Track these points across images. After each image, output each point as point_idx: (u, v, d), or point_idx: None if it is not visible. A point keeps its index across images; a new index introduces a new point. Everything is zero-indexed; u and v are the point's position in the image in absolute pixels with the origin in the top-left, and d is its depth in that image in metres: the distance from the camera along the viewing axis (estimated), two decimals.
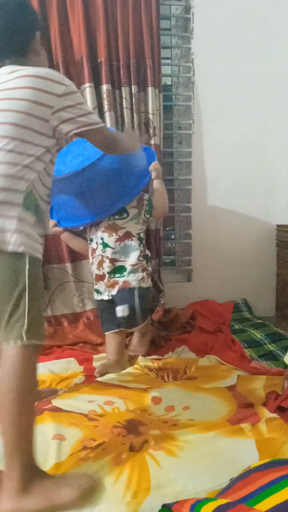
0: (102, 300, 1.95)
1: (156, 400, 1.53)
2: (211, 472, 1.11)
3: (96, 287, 1.98)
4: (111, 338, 1.93)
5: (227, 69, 2.53)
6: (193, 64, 2.50)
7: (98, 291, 1.97)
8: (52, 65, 2.26)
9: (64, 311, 2.36)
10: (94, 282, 1.99)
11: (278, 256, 2.70)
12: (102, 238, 1.91)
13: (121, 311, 1.85)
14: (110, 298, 1.91)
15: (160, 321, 2.39)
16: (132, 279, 1.88)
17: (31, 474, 1.05)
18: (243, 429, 1.30)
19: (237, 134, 2.61)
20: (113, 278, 1.91)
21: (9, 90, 1.22)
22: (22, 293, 1.14)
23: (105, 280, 1.92)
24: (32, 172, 1.22)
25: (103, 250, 1.91)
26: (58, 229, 2.05)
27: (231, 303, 2.64)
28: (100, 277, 1.94)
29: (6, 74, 1.25)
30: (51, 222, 2.02)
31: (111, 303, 1.91)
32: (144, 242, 1.98)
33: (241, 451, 1.19)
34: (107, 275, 1.91)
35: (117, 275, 1.91)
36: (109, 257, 1.90)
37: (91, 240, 1.98)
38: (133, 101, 2.32)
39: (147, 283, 1.94)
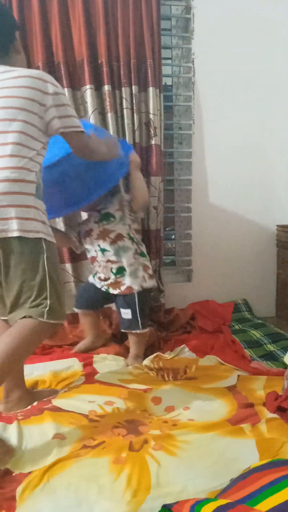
0: (92, 284, 2.08)
1: (156, 400, 1.53)
2: (211, 472, 1.11)
3: (94, 273, 2.08)
4: (86, 316, 2.14)
5: (228, 69, 2.53)
6: (193, 64, 2.50)
7: (94, 276, 2.08)
8: (52, 65, 2.27)
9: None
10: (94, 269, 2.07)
11: (278, 256, 2.70)
12: (98, 245, 1.98)
13: (125, 314, 1.96)
14: (103, 289, 2.02)
15: (160, 322, 2.39)
16: (134, 283, 1.95)
17: None
18: (243, 429, 1.30)
19: (237, 134, 2.61)
20: (115, 278, 1.98)
21: (7, 88, 1.32)
22: (43, 276, 1.30)
23: (109, 281, 2.00)
24: (36, 164, 1.35)
25: (103, 255, 1.97)
26: None
27: (231, 303, 2.64)
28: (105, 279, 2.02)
29: (0, 73, 1.35)
30: None
31: (98, 291, 2.04)
32: (137, 240, 2.03)
33: (241, 451, 1.19)
34: (113, 276, 1.98)
35: (118, 275, 1.96)
36: (110, 259, 1.96)
37: (88, 249, 2.05)
38: (134, 102, 2.32)
39: (149, 283, 2.00)
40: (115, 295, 1.99)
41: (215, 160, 2.62)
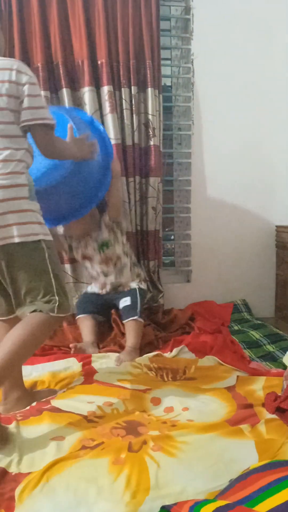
0: (93, 293, 2.29)
1: (156, 401, 1.53)
2: (210, 473, 1.11)
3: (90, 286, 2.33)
4: (84, 321, 2.20)
5: (227, 70, 2.53)
6: (192, 65, 2.50)
7: (92, 288, 2.32)
8: (52, 66, 2.26)
9: None
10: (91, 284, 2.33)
11: (277, 257, 2.70)
12: (102, 270, 2.23)
13: (124, 301, 2.17)
14: (104, 292, 2.26)
15: (159, 322, 2.39)
16: (132, 283, 2.25)
17: None
18: (243, 430, 1.30)
19: (236, 135, 2.61)
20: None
21: None
22: (48, 275, 1.35)
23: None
24: (24, 165, 1.35)
25: (106, 277, 2.24)
26: None
27: (230, 304, 2.63)
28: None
29: None
30: None
31: (99, 299, 2.26)
32: (130, 252, 2.27)
33: (241, 452, 1.19)
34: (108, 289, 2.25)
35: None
36: (111, 279, 2.23)
37: (87, 267, 2.27)
38: (133, 102, 2.32)
39: (144, 285, 2.29)
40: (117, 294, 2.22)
41: (214, 161, 2.62)
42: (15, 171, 1.31)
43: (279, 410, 1.40)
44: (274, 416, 1.38)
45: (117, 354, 1.98)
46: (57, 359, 1.94)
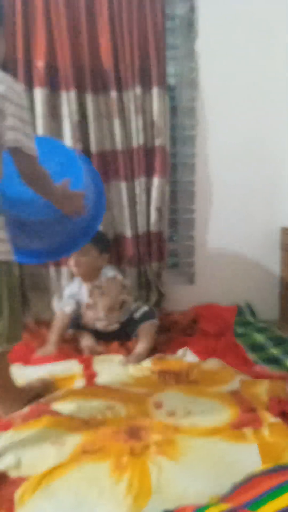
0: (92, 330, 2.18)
1: (158, 405, 1.51)
2: (213, 477, 1.10)
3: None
4: (81, 333, 2.16)
5: (232, 69, 2.52)
6: (197, 64, 2.49)
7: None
8: (56, 67, 2.25)
9: None
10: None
11: (282, 259, 2.68)
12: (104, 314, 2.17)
13: (140, 310, 2.21)
14: (109, 329, 2.16)
15: (161, 324, 2.35)
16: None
17: None
18: (246, 434, 1.29)
19: (241, 135, 2.59)
20: None
21: None
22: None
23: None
24: None
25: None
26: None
27: (234, 307, 2.61)
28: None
29: None
30: None
31: (101, 334, 2.16)
32: (128, 286, 2.29)
33: (244, 456, 1.18)
34: None
35: None
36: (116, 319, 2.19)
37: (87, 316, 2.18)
38: (138, 103, 2.31)
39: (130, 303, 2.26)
40: None
41: (218, 161, 2.60)
42: None
43: (283, 414, 1.39)
44: (278, 420, 1.37)
45: (119, 356, 1.96)
46: (57, 360, 1.92)
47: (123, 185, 2.38)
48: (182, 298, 2.62)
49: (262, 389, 1.59)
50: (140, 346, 2.01)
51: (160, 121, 2.35)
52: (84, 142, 2.32)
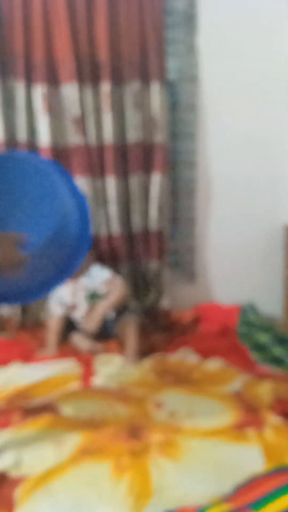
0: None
1: (158, 405, 1.52)
2: (214, 477, 1.11)
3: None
4: (75, 335, 2.13)
5: (233, 64, 2.50)
6: (198, 59, 2.47)
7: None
8: (53, 61, 2.23)
9: None
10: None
11: (285, 257, 2.65)
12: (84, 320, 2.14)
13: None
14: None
15: (162, 324, 2.38)
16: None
17: None
18: (248, 434, 1.30)
19: (243, 131, 2.57)
20: None
21: None
22: None
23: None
24: None
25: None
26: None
27: (236, 306, 2.59)
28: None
29: None
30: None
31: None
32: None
33: (246, 457, 1.19)
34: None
35: None
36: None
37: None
38: (136, 98, 2.29)
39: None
40: None
41: (219, 158, 2.58)
42: None
43: (286, 415, 1.39)
44: (280, 420, 1.36)
45: (119, 356, 1.96)
46: (57, 359, 1.93)
47: (121, 181, 2.36)
48: (182, 296, 2.60)
49: (265, 390, 1.59)
50: (130, 345, 1.99)
51: (159, 117, 2.33)
52: (82, 136, 2.29)
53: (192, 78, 2.50)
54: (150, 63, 2.29)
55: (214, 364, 1.88)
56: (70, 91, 2.23)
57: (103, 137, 2.31)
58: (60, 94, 2.27)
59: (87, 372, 1.81)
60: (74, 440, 1.28)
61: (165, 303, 2.48)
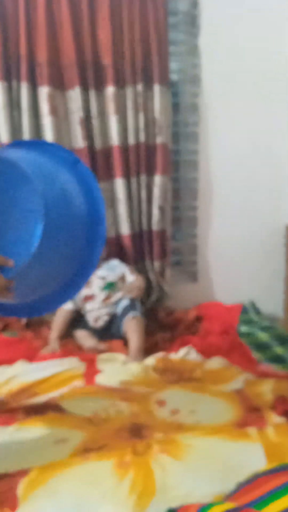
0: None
1: (161, 403, 1.51)
2: (217, 475, 1.10)
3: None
4: (80, 332, 2.17)
5: (235, 65, 2.50)
6: (200, 60, 2.48)
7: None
8: (58, 65, 2.24)
9: None
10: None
11: (287, 257, 2.66)
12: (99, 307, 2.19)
13: (122, 304, 2.18)
14: (97, 326, 2.18)
15: (164, 323, 2.38)
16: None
17: None
18: (250, 433, 1.29)
19: (244, 131, 2.57)
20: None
21: None
22: None
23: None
24: None
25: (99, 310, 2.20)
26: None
27: (238, 305, 2.60)
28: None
29: None
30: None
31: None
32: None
33: (248, 455, 1.18)
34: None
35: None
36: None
37: (86, 310, 2.20)
38: (139, 100, 2.30)
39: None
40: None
41: (221, 158, 2.59)
42: None
43: (287, 414, 1.39)
44: (282, 419, 1.36)
45: (122, 355, 1.96)
46: (60, 357, 1.93)
47: (125, 183, 2.37)
48: (185, 296, 2.61)
49: (266, 388, 1.59)
50: (133, 344, 2.00)
51: (161, 118, 2.34)
52: (88, 139, 2.31)
53: (195, 79, 2.51)
54: (153, 65, 2.30)
55: (216, 363, 1.88)
56: (74, 94, 2.24)
57: (108, 139, 2.33)
58: (65, 96, 2.28)
59: (91, 370, 1.81)
60: (76, 438, 1.28)
61: (167, 302, 2.49)
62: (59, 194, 1.11)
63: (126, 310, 2.13)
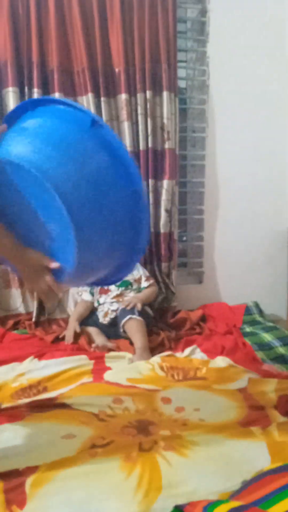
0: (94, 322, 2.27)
1: (166, 400, 1.52)
2: (222, 473, 1.10)
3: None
4: (90, 328, 2.23)
5: (242, 72, 2.53)
6: (208, 67, 2.50)
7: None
8: (72, 72, 2.27)
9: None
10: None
11: None
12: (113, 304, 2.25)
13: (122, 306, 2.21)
14: (105, 322, 2.24)
15: (169, 323, 2.40)
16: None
17: None
18: (254, 431, 1.29)
19: (251, 137, 2.60)
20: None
21: None
22: None
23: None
24: None
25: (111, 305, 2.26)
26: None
27: (242, 306, 2.63)
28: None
29: None
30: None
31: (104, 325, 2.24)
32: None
33: (252, 454, 1.18)
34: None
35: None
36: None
37: (99, 302, 2.28)
38: (148, 106, 2.32)
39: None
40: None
41: (228, 163, 2.62)
42: None
43: None
44: (286, 418, 1.37)
45: (129, 354, 1.99)
46: (69, 355, 1.94)
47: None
48: (191, 297, 2.64)
49: (270, 388, 1.60)
50: (138, 344, 2.02)
51: (170, 124, 2.36)
52: None
53: (202, 86, 2.53)
54: (162, 72, 2.32)
55: (220, 362, 1.88)
56: (86, 101, 2.27)
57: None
58: (77, 102, 2.31)
59: (99, 367, 1.82)
60: (84, 434, 1.27)
61: (173, 302, 2.52)
62: (93, 179, 0.99)
63: (124, 313, 2.14)
